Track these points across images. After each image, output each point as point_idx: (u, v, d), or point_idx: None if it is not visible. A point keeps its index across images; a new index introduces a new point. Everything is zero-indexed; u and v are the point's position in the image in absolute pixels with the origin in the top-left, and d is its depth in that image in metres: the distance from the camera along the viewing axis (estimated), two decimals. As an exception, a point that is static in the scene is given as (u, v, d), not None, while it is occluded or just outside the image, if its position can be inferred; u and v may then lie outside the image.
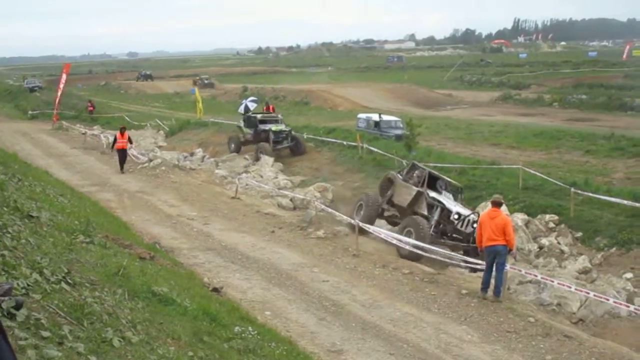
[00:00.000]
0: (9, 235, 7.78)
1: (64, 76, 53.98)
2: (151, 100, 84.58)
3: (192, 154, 37.58)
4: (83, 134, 43.74)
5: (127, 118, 55.30)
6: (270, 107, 43.76)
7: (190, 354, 7.20)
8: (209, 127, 45.44)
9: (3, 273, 6.36)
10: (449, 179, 21.98)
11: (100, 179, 28.40)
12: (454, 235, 19.76)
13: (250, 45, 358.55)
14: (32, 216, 10.00)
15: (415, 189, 20.55)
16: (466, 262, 17.45)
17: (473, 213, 19.45)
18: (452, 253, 18.70)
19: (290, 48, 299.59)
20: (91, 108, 60.61)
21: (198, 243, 18.91)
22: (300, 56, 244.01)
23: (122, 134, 30.72)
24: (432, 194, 20.38)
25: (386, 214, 22.44)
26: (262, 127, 34.73)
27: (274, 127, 34.31)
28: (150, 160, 32.14)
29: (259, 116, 36.33)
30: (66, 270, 7.57)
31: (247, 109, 47.63)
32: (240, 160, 34.94)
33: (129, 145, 31.43)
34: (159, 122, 51.87)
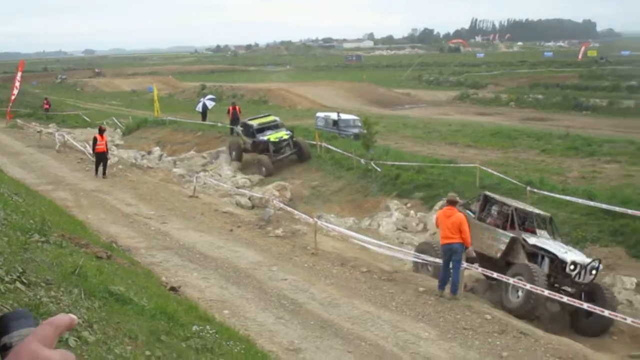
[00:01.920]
0: (-38, 234, 7.67)
1: (19, 74, 53.24)
2: (108, 98, 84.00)
3: (149, 153, 37.37)
4: (38, 132, 43.09)
5: (83, 116, 54.81)
6: (237, 107, 41.10)
7: (148, 353, 7.15)
8: (167, 126, 45.15)
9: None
10: (537, 211, 17.85)
11: (56, 178, 28.06)
12: (564, 288, 15.56)
13: (209, 44, 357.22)
14: (-15, 215, 9.86)
15: (506, 234, 16.17)
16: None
17: (594, 260, 15.37)
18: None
19: (248, 46, 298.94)
20: (47, 106, 59.79)
21: (155, 242, 18.79)
22: (258, 55, 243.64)
23: (101, 135, 29.06)
24: (531, 239, 16.12)
25: None
26: (259, 137, 31.57)
27: (272, 137, 31.17)
28: (92, 156, 31.85)
29: (255, 124, 32.58)
30: (21, 270, 7.47)
31: (205, 107, 47.50)
32: (198, 159, 34.79)
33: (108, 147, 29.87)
34: (116, 120, 51.48)
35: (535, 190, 22.31)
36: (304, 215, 21.25)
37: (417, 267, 17.68)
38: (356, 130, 37.57)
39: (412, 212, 24.24)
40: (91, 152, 31.47)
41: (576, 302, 13.69)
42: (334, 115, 42.12)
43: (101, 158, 28.39)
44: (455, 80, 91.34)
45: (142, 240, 18.75)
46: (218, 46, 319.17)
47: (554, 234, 17.28)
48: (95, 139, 28.91)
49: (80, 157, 33.76)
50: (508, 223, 16.62)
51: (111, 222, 20.71)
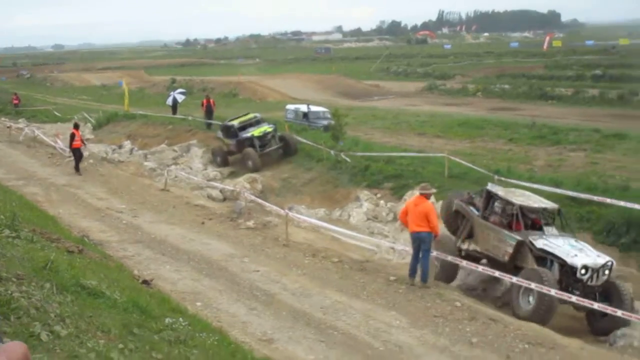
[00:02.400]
0: None
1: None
2: (78, 92, 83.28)
3: (120, 147, 37.18)
4: (8, 127, 42.85)
5: (54, 111, 54.36)
6: (211, 100, 41.11)
7: (121, 346, 7.12)
8: (137, 120, 44.90)
9: None
10: (543, 204, 16.21)
11: (27, 173, 27.86)
12: (576, 290, 14.16)
13: (178, 37, 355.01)
14: (-46, 211, 9.79)
15: (513, 236, 15.01)
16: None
17: (607, 262, 14.26)
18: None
19: (218, 40, 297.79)
20: (16, 101, 59.28)
21: (127, 236, 18.72)
22: (228, 48, 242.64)
23: (76, 129, 29.01)
24: (539, 241, 14.78)
25: (464, 252, 16.84)
26: (243, 134, 30.53)
27: (256, 132, 30.40)
28: (68, 152, 31.65)
29: (236, 124, 31.44)
30: (-8, 265, 7.44)
31: (175, 101, 47.25)
32: (169, 152, 34.63)
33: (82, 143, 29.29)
34: (86, 115, 51.11)
35: (503, 178, 22.45)
36: (275, 207, 21.27)
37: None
38: (326, 122, 37.54)
39: (382, 202, 24.32)
40: (62, 147, 31.36)
41: (586, 302, 12.99)
42: (303, 108, 42.09)
43: (77, 153, 28.14)
44: (423, 72, 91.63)
45: (113, 234, 18.67)
46: (187, 40, 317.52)
47: (563, 227, 16.00)
48: (72, 135, 28.38)
49: (51, 152, 33.54)
50: (514, 222, 15.42)
51: (82, 216, 20.59)
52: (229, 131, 30.90)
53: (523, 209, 15.47)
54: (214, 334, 10.10)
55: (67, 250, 11.86)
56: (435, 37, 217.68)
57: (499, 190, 16.72)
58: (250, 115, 32.28)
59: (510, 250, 14.86)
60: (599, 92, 59.40)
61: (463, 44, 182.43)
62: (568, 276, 14.07)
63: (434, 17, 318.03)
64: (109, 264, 13.34)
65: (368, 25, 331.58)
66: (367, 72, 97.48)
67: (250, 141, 29.62)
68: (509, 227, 15.41)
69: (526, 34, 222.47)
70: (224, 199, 25.32)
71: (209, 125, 37.23)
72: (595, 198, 20.04)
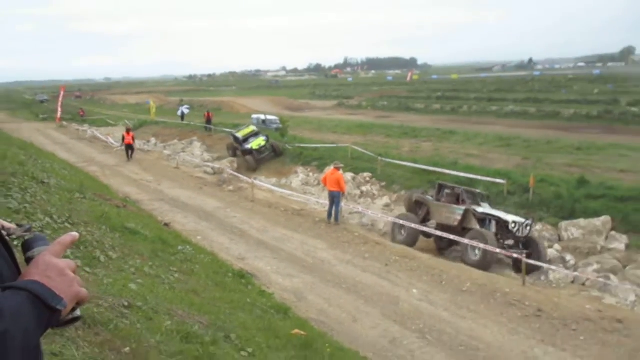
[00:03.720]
0: (29, 194, 7.39)
1: (62, 93, 51.47)
2: (121, 108, 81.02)
3: (148, 142, 36.34)
4: (77, 130, 41.73)
5: (107, 120, 52.84)
6: (210, 113, 39.51)
7: (150, 264, 7.08)
8: (159, 125, 43.88)
9: (25, 218, 6.06)
10: (477, 190, 15.56)
11: (89, 158, 27.12)
12: (507, 242, 13.47)
13: (184, 73, 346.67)
14: (44, 182, 9.49)
15: (461, 207, 14.15)
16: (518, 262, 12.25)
17: (529, 219, 13.57)
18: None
19: (209, 75, 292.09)
20: (82, 113, 57.66)
21: (154, 196, 18.41)
22: (215, 80, 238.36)
23: (128, 133, 27.55)
24: (479, 209, 14.08)
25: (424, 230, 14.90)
26: (245, 145, 27.74)
27: (254, 145, 27.49)
28: (122, 146, 30.84)
29: (240, 137, 28.54)
30: (68, 215, 7.27)
31: (182, 113, 46.48)
32: (179, 144, 34.03)
33: (134, 141, 27.80)
34: (127, 121, 49.68)
35: (383, 159, 22.67)
36: (245, 178, 21.14)
37: (394, 231, 14.95)
38: (276, 126, 37.27)
39: (311, 174, 24.37)
40: (113, 142, 30.77)
41: (522, 258, 11.48)
42: (263, 116, 41.82)
43: (128, 148, 27.03)
44: (335, 95, 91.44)
45: (145, 196, 18.34)
46: (190, 75, 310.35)
47: (491, 206, 14.97)
48: (123, 136, 27.68)
49: (105, 145, 32.73)
50: (459, 201, 14.53)
51: (125, 185, 20.16)
52: (237, 140, 28.68)
53: (466, 192, 14.69)
54: (208, 255, 10.09)
55: (116, 205, 11.63)
56: (342, 73, 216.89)
57: (448, 183, 15.94)
58: (251, 129, 29.61)
59: (459, 217, 13.96)
60: (440, 106, 60.29)
61: (359, 78, 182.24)
62: (502, 230, 13.27)
63: (342, 61, 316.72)
64: (142, 214, 13.13)
65: (302, 65, 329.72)
66: (301, 94, 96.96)
67: (250, 151, 27.45)
68: (455, 204, 14.50)
69: (397, 71, 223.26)
70: (214, 173, 24.96)
71: (208, 129, 36.57)
72: (438, 169, 20.36)
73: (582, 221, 14.69)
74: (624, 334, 8.78)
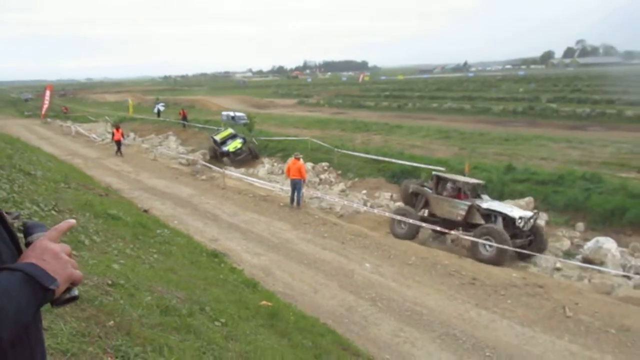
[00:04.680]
0: (16, 184, 7.14)
1: (47, 92, 49.35)
2: (102, 106, 78.58)
3: (128, 136, 35.37)
4: (60, 125, 40.27)
5: (88, 116, 51.17)
6: (185, 111, 38.25)
7: (131, 245, 6.94)
8: (137, 121, 42.79)
9: (13, 206, 5.86)
10: (476, 181, 13.81)
11: (73, 151, 26.25)
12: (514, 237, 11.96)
13: (160, 74, 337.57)
14: (30, 174, 9.18)
15: (465, 202, 12.68)
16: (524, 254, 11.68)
17: (534, 214, 12.30)
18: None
19: (182, 76, 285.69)
20: (65, 110, 55.64)
21: (134, 186, 18.00)
22: (188, 80, 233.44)
23: (117, 129, 26.42)
24: (483, 204, 12.57)
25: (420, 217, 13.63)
26: (222, 147, 26.19)
27: (231, 147, 25.98)
28: (103, 140, 30.17)
29: (218, 139, 26.82)
30: (54, 203, 7.05)
31: (159, 110, 45.50)
32: (156, 139, 33.31)
33: (122, 137, 26.45)
34: (108, 118, 48.33)
35: (339, 150, 22.76)
36: (216, 168, 20.89)
37: (394, 225, 13.61)
38: (244, 121, 36.87)
39: (275, 164, 24.29)
40: (95, 137, 29.85)
41: (526, 252, 11.26)
42: (232, 113, 41.42)
43: (117, 144, 25.79)
44: (296, 94, 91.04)
45: (125, 185, 17.91)
46: (165, 76, 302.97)
47: (489, 195, 13.96)
48: (112, 133, 26.51)
49: (87, 140, 31.75)
50: (461, 194, 13.03)
51: (107, 175, 19.63)
52: (215, 142, 26.94)
53: (466, 185, 13.24)
54: (184, 238, 9.95)
55: (99, 194, 11.34)
56: (302, 75, 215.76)
57: (446, 175, 14.19)
58: (228, 132, 27.74)
59: (462, 212, 12.55)
60: (388, 103, 60.78)
61: (317, 79, 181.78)
62: (509, 225, 11.90)
63: (301, 63, 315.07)
64: (123, 201, 12.83)
65: (266, 67, 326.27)
66: (266, 94, 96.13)
67: (227, 153, 25.98)
68: (457, 198, 12.98)
69: (350, 73, 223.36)
70: (188, 164, 24.58)
71: (184, 126, 35.74)
72: (387, 159, 20.58)
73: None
74: (544, 297, 9.14)
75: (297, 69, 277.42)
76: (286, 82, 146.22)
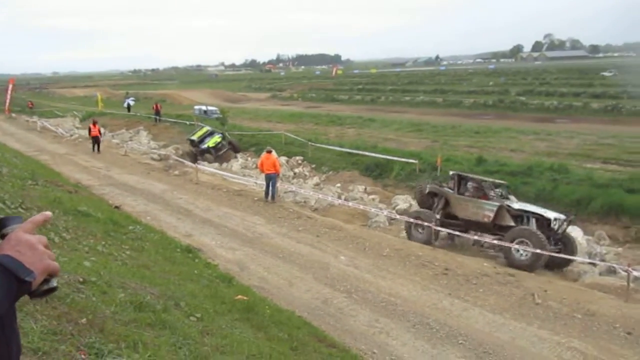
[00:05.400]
0: (-19, 183, 6.94)
1: (11, 86, 47.70)
2: (69, 100, 76.76)
3: (104, 133, 34.71)
4: (26, 121, 39.13)
5: (55, 111, 49.93)
6: (158, 105, 36.14)
7: (103, 242, 6.82)
8: (107, 115, 41.87)
9: (-21, 205, 5.70)
10: (500, 181, 13.31)
11: (40, 147, 25.50)
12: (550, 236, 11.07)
13: (129, 68, 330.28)
14: (-4, 171, 8.95)
15: (493, 203, 11.60)
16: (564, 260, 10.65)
17: (569, 216, 11.46)
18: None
19: (153, 69, 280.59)
20: (31, 105, 53.94)
21: (104, 182, 17.63)
22: (159, 74, 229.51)
23: (94, 125, 24.49)
24: (514, 204, 11.62)
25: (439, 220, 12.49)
26: (201, 146, 25.37)
27: (210, 143, 25.27)
28: (71, 135, 29.42)
29: (196, 139, 25.86)
30: (21, 201, 6.89)
31: (129, 104, 44.71)
32: (127, 134, 32.67)
33: (101, 133, 24.89)
34: (76, 113, 47.23)
35: (313, 144, 22.79)
36: (189, 163, 20.68)
37: (410, 230, 12.68)
38: (216, 115, 36.55)
39: (249, 158, 24.19)
40: (62, 132, 28.93)
41: (560, 256, 10.42)
42: (204, 107, 41.02)
43: (95, 140, 24.27)
44: (269, 87, 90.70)
45: (96, 181, 17.53)
46: (135, 69, 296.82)
47: (515, 197, 13.00)
48: (89, 128, 24.66)
49: (54, 135, 30.94)
50: (486, 194, 11.99)
51: (76, 172, 19.19)
52: (192, 143, 26.08)
53: (491, 184, 12.44)
54: (158, 234, 9.83)
55: (68, 191, 11.09)
56: (275, 68, 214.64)
57: (468, 174, 13.30)
58: (205, 130, 26.64)
59: (491, 214, 11.50)
60: (362, 97, 61.12)
61: (290, 72, 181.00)
62: (543, 226, 11.06)
63: (274, 57, 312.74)
64: (94, 198, 12.60)
65: (239, 61, 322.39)
66: (239, 87, 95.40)
67: (208, 150, 25.27)
68: (483, 198, 11.98)
69: (324, 66, 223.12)
70: (161, 159, 24.21)
71: (156, 120, 35.03)
72: (360, 152, 20.75)
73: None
74: (514, 285, 9.37)
75: (270, 62, 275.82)
76: (259, 76, 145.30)
